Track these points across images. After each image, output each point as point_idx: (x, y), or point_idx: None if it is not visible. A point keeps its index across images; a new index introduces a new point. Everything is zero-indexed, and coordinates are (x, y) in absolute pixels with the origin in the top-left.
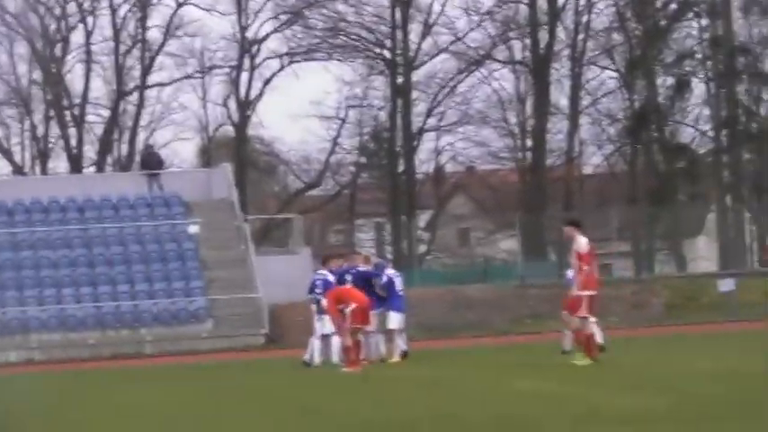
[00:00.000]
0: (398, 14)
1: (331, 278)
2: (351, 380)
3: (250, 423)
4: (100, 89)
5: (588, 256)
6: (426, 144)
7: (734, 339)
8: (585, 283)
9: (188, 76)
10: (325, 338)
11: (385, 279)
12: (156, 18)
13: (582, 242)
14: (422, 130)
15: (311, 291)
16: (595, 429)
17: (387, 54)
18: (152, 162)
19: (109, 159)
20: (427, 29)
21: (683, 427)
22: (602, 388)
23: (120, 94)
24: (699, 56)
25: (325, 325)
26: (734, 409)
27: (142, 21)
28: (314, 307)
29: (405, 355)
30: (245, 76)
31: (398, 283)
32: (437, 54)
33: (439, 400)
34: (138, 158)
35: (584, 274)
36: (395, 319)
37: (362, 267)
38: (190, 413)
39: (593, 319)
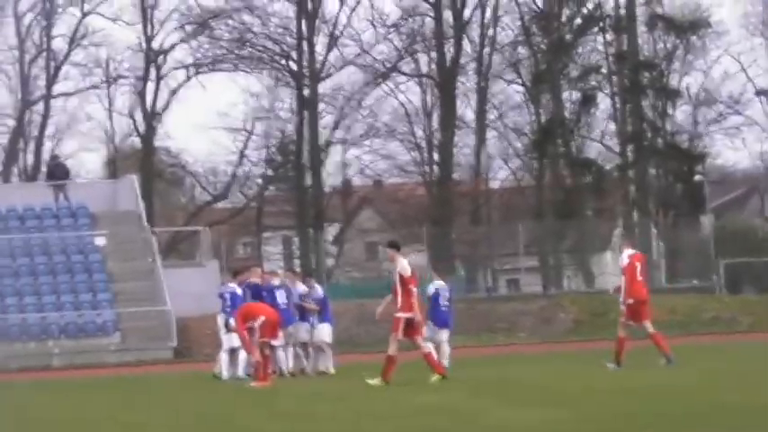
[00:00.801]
0: (304, 26)
1: (239, 292)
2: (259, 394)
3: None
4: (5, 98)
5: (413, 279)
6: (333, 157)
7: (639, 355)
8: (407, 306)
9: (94, 87)
10: (233, 352)
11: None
12: (62, 27)
13: (404, 264)
14: (329, 143)
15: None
16: None
17: (293, 66)
18: (58, 172)
19: (14, 169)
20: (333, 41)
21: None
22: (508, 402)
23: (26, 103)
24: (604, 70)
25: (232, 339)
26: (636, 423)
27: (47, 30)
28: (220, 320)
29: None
30: (150, 86)
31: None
32: (343, 66)
33: (345, 414)
34: (44, 169)
35: (408, 295)
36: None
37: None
38: (95, 426)
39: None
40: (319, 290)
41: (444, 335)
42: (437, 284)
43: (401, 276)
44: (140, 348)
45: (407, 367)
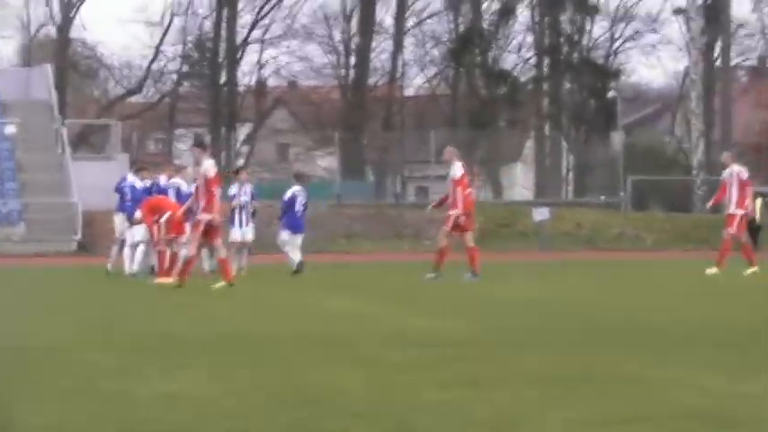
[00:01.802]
0: None
1: (139, 185)
2: (163, 291)
3: (58, 335)
4: None
5: (216, 180)
6: (250, 56)
7: (544, 269)
8: (210, 208)
9: None
10: (134, 247)
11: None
12: None
13: (209, 165)
14: (246, 42)
15: (120, 197)
16: (399, 351)
17: None
18: None
19: None
20: None
21: (482, 352)
22: (407, 310)
23: None
24: None
25: (134, 233)
26: (532, 336)
27: None
28: (117, 218)
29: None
30: None
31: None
32: None
33: (247, 316)
34: None
35: (211, 197)
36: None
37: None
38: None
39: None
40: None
41: (299, 239)
42: (294, 189)
43: (206, 177)
44: (44, 240)
45: (312, 270)
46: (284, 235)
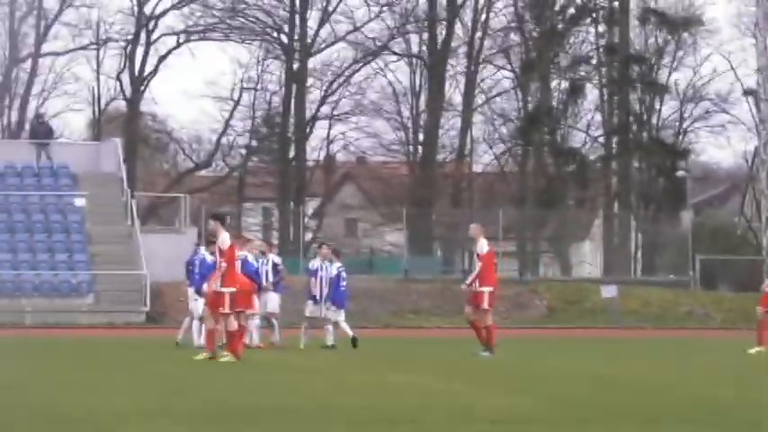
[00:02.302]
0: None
1: (209, 259)
2: (228, 363)
3: (123, 399)
4: None
5: (232, 253)
6: (318, 132)
7: (612, 345)
8: (230, 280)
9: (82, 48)
10: (201, 320)
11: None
12: None
13: (226, 238)
14: (315, 118)
15: (188, 271)
16: (467, 427)
17: (284, 39)
18: (41, 131)
19: None
20: (326, 16)
21: (550, 428)
22: (476, 386)
23: (13, 60)
24: (594, 62)
25: (200, 306)
26: (601, 412)
27: None
28: (190, 291)
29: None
30: (140, 51)
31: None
32: (334, 42)
33: (316, 388)
34: (27, 127)
35: (229, 269)
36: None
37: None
38: (62, 386)
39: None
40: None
41: (342, 315)
42: (338, 266)
43: (221, 250)
44: (113, 311)
45: (379, 344)
46: (327, 310)
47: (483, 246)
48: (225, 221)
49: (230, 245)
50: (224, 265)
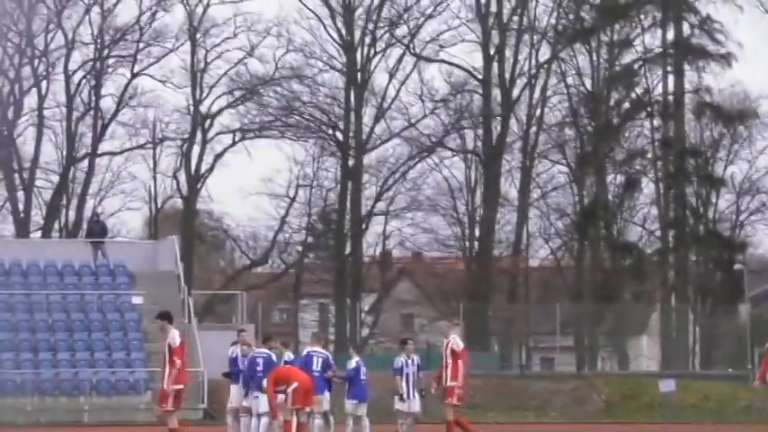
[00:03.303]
0: (353, 97)
1: (274, 357)
2: None
3: None
4: (50, 154)
5: (181, 350)
6: (374, 228)
7: None
8: (177, 378)
9: (139, 147)
10: (260, 417)
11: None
12: (111, 87)
13: (175, 335)
14: (370, 214)
15: (251, 368)
16: None
17: (339, 136)
18: (96, 230)
19: (55, 225)
20: (381, 113)
21: None
22: None
23: (71, 160)
24: (649, 155)
25: (260, 404)
26: None
27: (96, 89)
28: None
29: None
30: (196, 149)
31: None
32: (389, 139)
33: None
34: (85, 226)
35: (176, 367)
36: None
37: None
38: None
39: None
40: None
41: (364, 409)
42: (356, 359)
43: (170, 347)
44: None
45: None
46: (349, 405)
47: (458, 342)
48: (172, 320)
49: (181, 342)
50: (177, 362)
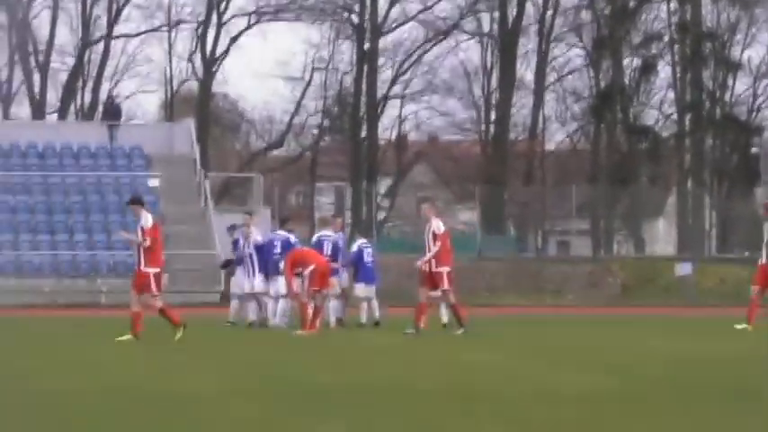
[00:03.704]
0: None
1: (293, 239)
2: (305, 343)
3: (198, 380)
4: (66, 36)
5: (154, 232)
6: (390, 111)
7: (687, 324)
8: (153, 260)
9: (154, 29)
10: (277, 299)
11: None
12: None
13: (148, 218)
14: (386, 97)
15: (269, 251)
16: (547, 406)
17: (355, 19)
18: (110, 112)
19: (71, 107)
20: None
21: (630, 406)
22: (553, 364)
23: (86, 43)
24: (666, 39)
25: (279, 286)
26: (680, 391)
27: None
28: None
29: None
30: (211, 32)
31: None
32: (405, 22)
33: (390, 367)
34: (101, 108)
35: (154, 249)
36: (360, 290)
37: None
38: (135, 365)
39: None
40: (355, 245)
41: (372, 291)
42: (359, 243)
43: (143, 230)
44: (187, 291)
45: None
46: (358, 289)
47: (439, 225)
48: (144, 204)
49: (154, 224)
50: (147, 244)
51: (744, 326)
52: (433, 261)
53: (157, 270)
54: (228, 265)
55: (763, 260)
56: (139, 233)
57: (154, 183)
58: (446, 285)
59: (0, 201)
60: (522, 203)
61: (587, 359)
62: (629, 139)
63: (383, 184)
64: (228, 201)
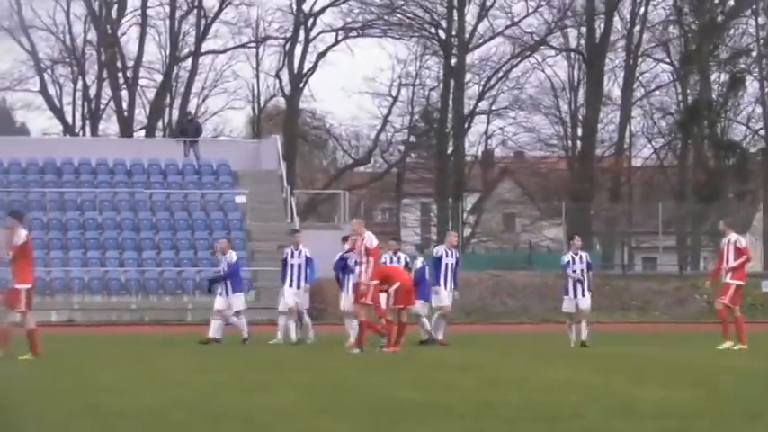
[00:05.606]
0: None
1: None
2: (390, 360)
3: (284, 397)
4: (154, 53)
5: (24, 250)
6: (477, 127)
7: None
8: (24, 277)
9: (242, 45)
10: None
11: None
12: None
13: (23, 234)
14: (473, 113)
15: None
16: (630, 423)
17: (442, 34)
18: (190, 129)
19: (159, 124)
20: (483, 11)
21: (717, 424)
22: (635, 381)
23: (174, 59)
24: (754, 54)
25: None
26: (764, 408)
27: None
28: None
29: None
30: (298, 48)
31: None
32: (492, 37)
33: (474, 384)
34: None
35: (21, 266)
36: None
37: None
38: (224, 383)
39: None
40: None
41: (426, 308)
42: (422, 260)
43: (15, 246)
44: (273, 307)
45: (537, 339)
46: (419, 306)
47: (372, 240)
48: (22, 218)
49: (24, 242)
50: (8, 258)
51: (728, 345)
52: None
53: (29, 286)
54: (214, 284)
55: (726, 278)
56: (11, 250)
57: (241, 199)
58: (368, 300)
59: (88, 218)
60: (608, 220)
61: (668, 375)
62: (716, 155)
63: (469, 201)
64: (315, 217)
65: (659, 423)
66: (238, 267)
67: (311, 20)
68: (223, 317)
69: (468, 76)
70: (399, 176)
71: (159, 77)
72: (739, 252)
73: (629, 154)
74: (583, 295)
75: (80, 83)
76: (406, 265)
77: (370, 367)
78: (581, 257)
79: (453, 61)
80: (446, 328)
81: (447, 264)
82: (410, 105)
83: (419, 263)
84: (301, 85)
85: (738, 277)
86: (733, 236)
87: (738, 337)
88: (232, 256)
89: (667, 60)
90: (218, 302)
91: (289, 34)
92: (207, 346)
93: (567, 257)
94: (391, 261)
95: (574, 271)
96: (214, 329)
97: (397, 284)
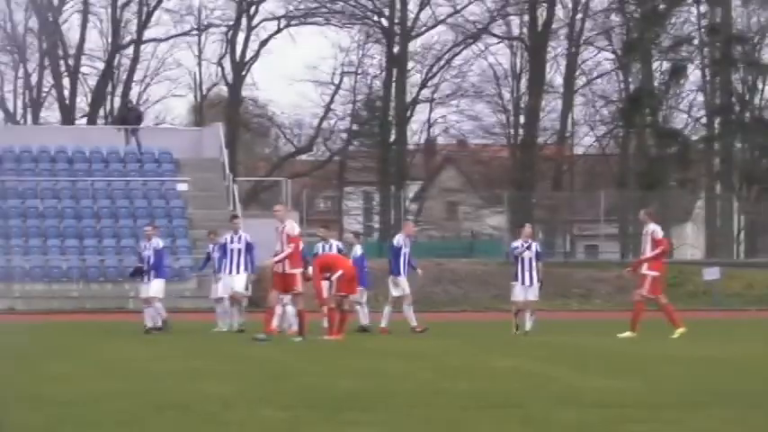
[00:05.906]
0: None
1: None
2: (331, 348)
3: (227, 386)
4: (96, 41)
5: None
6: (419, 115)
7: (715, 328)
8: None
9: (184, 33)
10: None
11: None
12: None
13: None
14: (415, 101)
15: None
16: (574, 411)
17: (384, 22)
18: (131, 117)
19: (101, 112)
20: None
21: (657, 412)
22: (578, 370)
23: (116, 47)
24: (696, 42)
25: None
26: (708, 395)
27: None
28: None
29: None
30: (241, 36)
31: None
32: (435, 25)
33: (418, 372)
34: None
35: None
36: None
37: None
38: (166, 371)
39: None
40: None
41: (365, 296)
42: (359, 247)
43: None
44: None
45: (480, 327)
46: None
47: (293, 228)
48: None
49: None
50: None
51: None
52: (287, 263)
53: None
54: (138, 273)
55: (642, 269)
56: None
57: (182, 187)
58: (299, 288)
59: (29, 206)
60: (550, 208)
61: (610, 363)
62: (658, 143)
63: (411, 189)
64: (257, 206)
65: (601, 412)
66: (164, 254)
67: (253, 8)
68: (150, 303)
69: (410, 65)
70: (342, 165)
71: (101, 65)
72: (656, 243)
73: (571, 142)
74: (531, 284)
75: (21, 70)
76: (339, 252)
77: (313, 356)
78: (530, 246)
79: (396, 49)
80: (390, 316)
81: (405, 253)
82: (353, 93)
83: (358, 250)
84: (243, 72)
85: (655, 268)
86: (651, 226)
87: (672, 324)
88: (158, 242)
89: (609, 48)
90: (143, 290)
91: (231, 22)
92: (150, 335)
93: (516, 243)
94: (323, 249)
95: (522, 253)
96: (149, 318)
97: (339, 272)
